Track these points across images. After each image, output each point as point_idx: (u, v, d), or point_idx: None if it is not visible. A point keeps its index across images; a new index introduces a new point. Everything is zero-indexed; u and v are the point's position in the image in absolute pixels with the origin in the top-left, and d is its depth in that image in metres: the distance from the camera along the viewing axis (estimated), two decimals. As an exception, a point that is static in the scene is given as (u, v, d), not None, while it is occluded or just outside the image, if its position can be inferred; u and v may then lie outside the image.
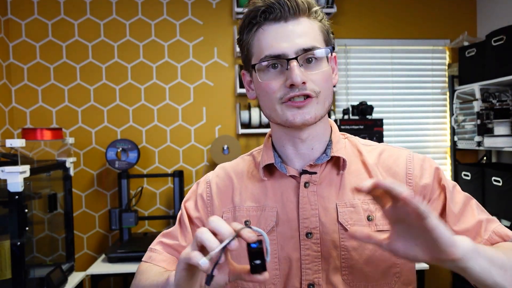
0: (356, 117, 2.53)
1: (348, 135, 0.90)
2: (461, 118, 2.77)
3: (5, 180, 1.72)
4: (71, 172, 2.41)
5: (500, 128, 2.38)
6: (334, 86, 0.84)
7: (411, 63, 3.08)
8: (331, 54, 0.81)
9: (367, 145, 0.88)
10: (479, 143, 2.54)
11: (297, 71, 0.72)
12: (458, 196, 0.80)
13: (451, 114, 2.86)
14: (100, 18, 2.76)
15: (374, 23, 3.01)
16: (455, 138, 2.83)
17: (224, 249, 0.58)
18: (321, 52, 0.75)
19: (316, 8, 0.78)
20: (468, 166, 2.67)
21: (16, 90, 2.70)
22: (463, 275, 0.61)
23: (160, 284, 0.72)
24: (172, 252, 0.88)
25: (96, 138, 2.77)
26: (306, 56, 0.75)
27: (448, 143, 3.05)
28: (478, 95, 2.56)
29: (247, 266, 0.60)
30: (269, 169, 0.84)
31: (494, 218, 0.79)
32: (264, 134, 2.91)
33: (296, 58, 0.73)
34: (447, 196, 0.78)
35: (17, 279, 1.74)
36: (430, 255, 0.58)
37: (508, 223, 2.66)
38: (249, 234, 0.58)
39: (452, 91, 2.84)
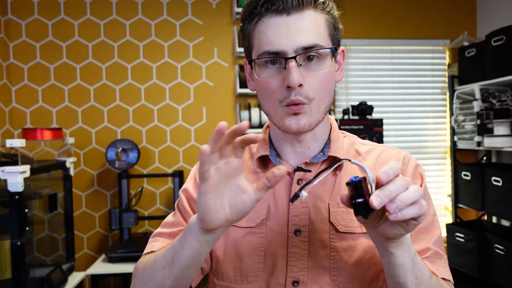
0: (356, 117, 2.53)
1: (348, 133, 0.88)
2: (461, 118, 2.77)
3: (5, 180, 1.73)
4: (71, 172, 2.41)
5: (500, 128, 2.38)
6: (338, 82, 0.80)
7: (411, 63, 3.08)
8: (337, 50, 0.77)
9: (365, 145, 0.86)
10: (479, 143, 2.54)
11: (294, 73, 0.69)
12: (427, 218, 0.79)
13: (451, 114, 2.86)
14: (100, 18, 2.76)
15: (374, 23, 3.01)
16: (455, 138, 2.83)
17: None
18: (323, 51, 0.72)
19: None
20: (468, 166, 2.67)
21: (16, 90, 2.70)
22: (384, 261, 0.63)
23: (177, 241, 0.68)
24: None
25: (96, 138, 2.77)
26: (307, 54, 0.71)
27: (448, 143, 3.05)
28: (478, 95, 2.56)
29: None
30: (264, 162, 0.82)
31: (443, 255, 0.78)
32: (264, 134, 2.91)
33: (295, 58, 0.69)
34: None
35: (17, 279, 1.74)
36: (378, 226, 0.59)
37: (508, 223, 2.66)
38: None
39: (452, 91, 2.84)
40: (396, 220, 0.53)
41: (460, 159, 2.91)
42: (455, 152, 2.86)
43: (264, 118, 2.78)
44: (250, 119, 2.78)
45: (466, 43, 2.82)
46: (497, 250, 2.21)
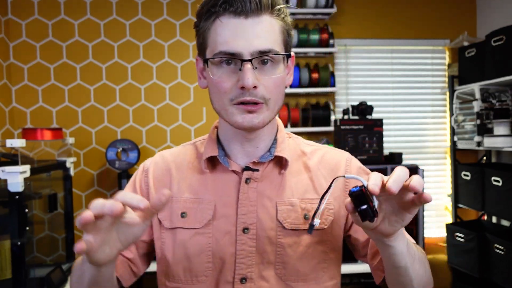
0: (356, 117, 2.53)
1: (293, 135, 0.91)
2: (461, 118, 2.77)
3: (5, 180, 1.73)
4: (71, 172, 2.41)
5: (500, 128, 2.38)
6: (287, 87, 0.84)
7: (411, 63, 3.08)
8: (290, 56, 0.80)
9: (310, 146, 0.90)
10: (479, 143, 2.54)
11: (249, 74, 0.71)
12: None
13: (451, 114, 2.86)
14: (100, 18, 2.76)
15: (374, 23, 3.01)
16: (455, 138, 2.83)
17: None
18: (277, 56, 0.74)
19: (280, 5, 0.76)
20: (468, 166, 2.67)
21: (16, 90, 2.70)
22: (383, 251, 0.69)
23: (79, 262, 0.72)
24: None
25: (96, 138, 2.77)
26: (262, 58, 0.73)
27: (448, 143, 3.05)
28: (478, 95, 2.56)
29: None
30: (212, 162, 0.84)
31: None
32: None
33: (251, 60, 0.71)
34: None
35: (17, 279, 1.74)
36: (377, 226, 0.64)
37: (507, 223, 2.66)
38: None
39: (452, 91, 2.84)
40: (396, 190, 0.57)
41: (460, 159, 2.91)
42: (455, 152, 2.86)
43: (264, 118, 2.77)
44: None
45: (466, 43, 2.82)
46: (497, 250, 2.21)
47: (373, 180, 0.57)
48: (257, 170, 0.80)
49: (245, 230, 0.79)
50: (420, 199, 0.59)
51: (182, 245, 0.80)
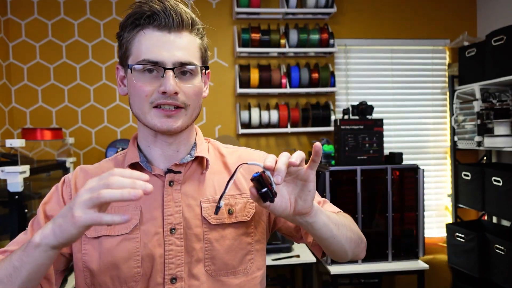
0: (356, 117, 2.53)
1: (211, 139, 0.97)
2: (461, 118, 2.77)
3: (5, 180, 1.72)
4: (71, 172, 2.40)
5: (500, 128, 2.38)
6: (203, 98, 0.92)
7: (411, 63, 3.08)
8: (205, 71, 0.86)
9: (228, 148, 0.96)
10: (479, 143, 2.54)
11: (171, 81, 0.76)
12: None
13: (451, 114, 2.86)
14: (100, 18, 2.76)
15: (374, 23, 3.01)
16: (455, 138, 2.83)
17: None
18: (196, 68, 0.81)
19: (199, 26, 0.83)
20: (468, 166, 2.67)
21: (16, 90, 2.70)
22: (309, 229, 0.78)
23: (16, 258, 0.68)
24: None
25: (96, 138, 2.77)
26: (182, 69, 0.79)
27: (448, 143, 3.05)
28: (478, 95, 2.56)
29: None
30: (134, 169, 0.84)
31: (327, 200, 0.98)
32: (264, 134, 2.91)
33: (173, 69, 0.77)
34: None
35: (17, 279, 1.73)
36: (294, 209, 0.73)
37: (508, 223, 2.66)
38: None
39: (452, 91, 2.84)
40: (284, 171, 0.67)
41: (460, 159, 2.91)
42: (455, 152, 2.86)
43: (265, 118, 2.78)
44: (250, 119, 2.77)
45: (466, 43, 2.82)
46: (497, 250, 2.21)
47: (268, 161, 0.68)
48: (180, 172, 0.84)
49: (172, 230, 0.81)
50: (313, 159, 0.70)
51: (109, 253, 0.80)
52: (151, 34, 0.78)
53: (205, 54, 0.86)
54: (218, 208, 0.72)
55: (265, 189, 0.66)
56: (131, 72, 0.79)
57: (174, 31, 0.79)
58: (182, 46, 0.79)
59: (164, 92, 0.77)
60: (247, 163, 0.72)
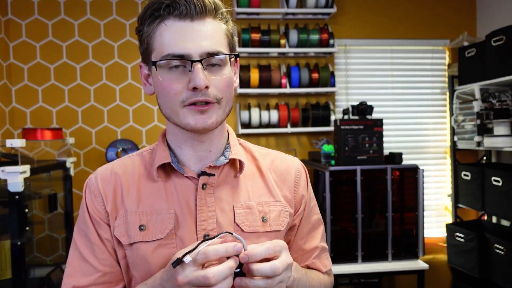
0: (356, 117, 2.53)
1: (242, 140, 0.91)
2: (461, 118, 2.77)
3: (5, 180, 1.73)
4: (71, 172, 2.41)
5: (500, 128, 2.38)
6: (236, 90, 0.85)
7: (411, 63, 3.09)
8: (235, 60, 0.80)
9: (260, 150, 0.91)
10: (479, 143, 2.54)
11: (201, 75, 0.70)
12: (313, 218, 0.92)
13: (451, 114, 2.86)
14: (100, 18, 2.76)
15: (374, 23, 3.01)
16: (455, 138, 2.83)
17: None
18: (225, 58, 0.75)
19: (223, 10, 0.76)
20: (468, 166, 2.67)
21: (16, 90, 2.70)
22: None
23: None
24: None
25: (96, 138, 2.77)
26: (210, 61, 0.73)
27: (448, 143, 3.05)
28: (478, 95, 2.56)
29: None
30: (164, 170, 0.81)
31: (326, 248, 0.95)
32: (264, 134, 2.92)
33: (200, 61, 0.71)
34: (305, 213, 0.90)
35: (17, 279, 1.74)
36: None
37: (508, 223, 2.66)
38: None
39: (452, 91, 2.84)
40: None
41: (460, 159, 2.91)
42: (455, 152, 2.87)
43: (265, 118, 2.78)
44: (250, 119, 2.78)
45: (466, 43, 2.82)
46: (497, 250, 2.22)
47: (244, 257, 0.67)
48: (213, 175, 0.79)
49: (205, 236, 0.77)
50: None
51: (144, 260, 0.76)
52: (172, 25, 0.72)
53: (232, 41, 0.79)
54: (178, 261, 0.63)
55: (238, 270, 0.68)
56: (156, 69, 0.74)
57: (197, 19, 0.72)
58: (207, 35, 0.72)
59: (194, 88, 0.71)
60: (232, 234, 0.69)
